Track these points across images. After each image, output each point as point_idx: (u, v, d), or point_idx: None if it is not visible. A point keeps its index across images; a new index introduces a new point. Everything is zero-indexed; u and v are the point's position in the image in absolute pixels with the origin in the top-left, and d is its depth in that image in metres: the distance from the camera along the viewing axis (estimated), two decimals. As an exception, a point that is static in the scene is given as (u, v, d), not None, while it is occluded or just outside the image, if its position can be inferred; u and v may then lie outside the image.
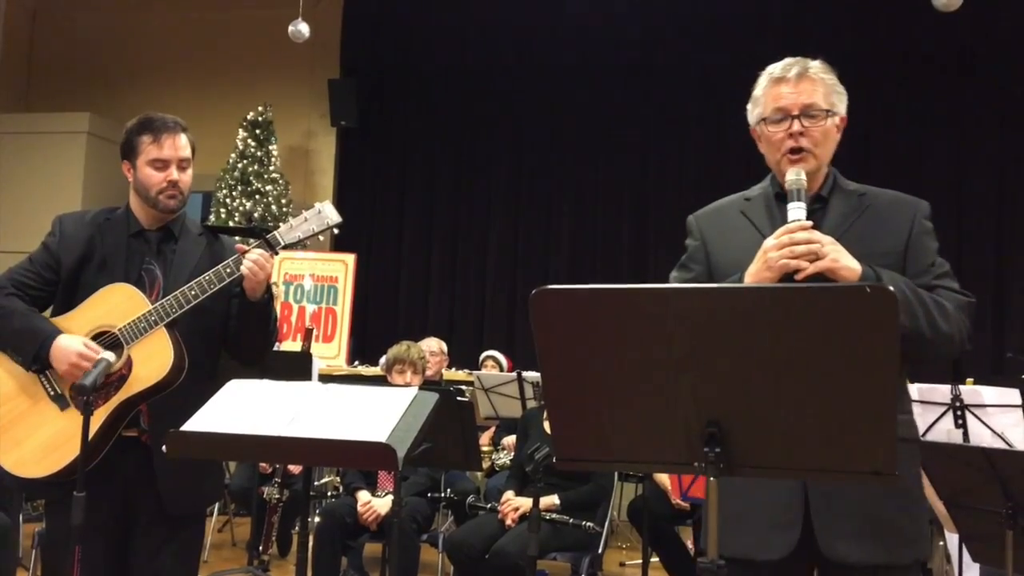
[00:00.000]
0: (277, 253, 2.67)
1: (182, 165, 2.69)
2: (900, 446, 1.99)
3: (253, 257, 2.58)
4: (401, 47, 9.74)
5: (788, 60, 2.17)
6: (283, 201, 9.05)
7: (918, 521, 2.07)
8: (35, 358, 2.56)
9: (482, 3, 9.43)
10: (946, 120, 8.55)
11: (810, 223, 1.98)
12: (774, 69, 2.17)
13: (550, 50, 9.31)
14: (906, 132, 8.64)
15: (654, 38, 9.01)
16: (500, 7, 9.35)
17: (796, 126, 2.10)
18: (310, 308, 8.74)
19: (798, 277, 1.93)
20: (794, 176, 2.04)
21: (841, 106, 2.17)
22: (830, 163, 2.20)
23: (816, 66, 2.16)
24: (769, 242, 1.98)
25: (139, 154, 2.67)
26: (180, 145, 2.68)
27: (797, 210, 2.00)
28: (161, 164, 2.66)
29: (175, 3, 10.34)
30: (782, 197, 2.12)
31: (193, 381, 2.55)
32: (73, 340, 2.54)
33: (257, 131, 9.10)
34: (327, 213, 2.68)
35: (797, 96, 2.11)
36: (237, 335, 2.73)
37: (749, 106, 2.22)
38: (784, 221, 2.02)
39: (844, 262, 1.94)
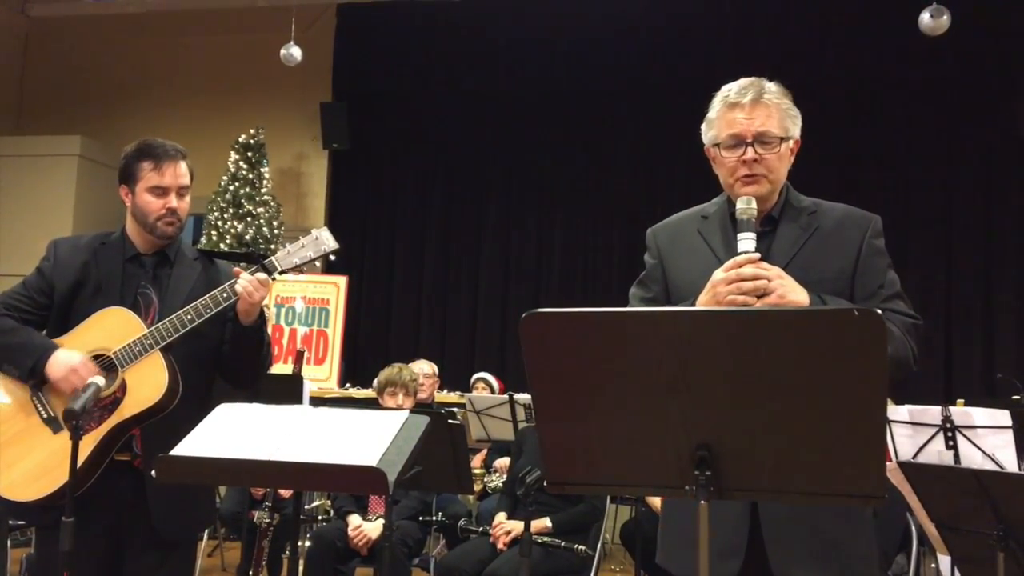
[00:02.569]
0: (275, 279, 2.67)
1: (181, 192, 2.69)
2: None
3: (249, 278, 2.58)
4: (393, 70, 9.78)
5: (743, 82, 2.16)
6: (275, 224, 9.04)
7: (869, 542, 2.09)
8: (32, 371, 2.55)
9: (474, 27, 9.48)
10: (934, 143, 8.61)
11: (758, 255, 1.97)
12: (729, 92, 2.16)
13: (541, 73, 9.35)
14: (894, 155, 8.69)
15: (646, 60, 9.06)
16: (491, 30, 9.41)
17: (750, 153, 2.09)
18: (301, 330, 8.73)
19: None
20: (744, 204, 2.03)
21: (795, 129, 2.16)
22: (786, 179, 2.20)
23: (771, 90, 2.14)
24: (718, 275, 1.98)
25: (138, 180, 2.67)
26: (180, 173, 2.68)
27: (746, 241, 2.00)
28: (161, 191, 2.66)
29: (167, 27, 10.37)
30: (735, 218, 2.10)
31: (186, 405, 2.54)
32: (73, 354, 2.55)
33: (249, 154, 9.10)
34: (324, 239, 2.68)
35: (751, 123, 2.09)
36: (231, 359, 2.73)
37: (703, 127, 2.21)
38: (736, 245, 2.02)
39: (791, 296, 1.94)
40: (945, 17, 7.17)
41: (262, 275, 2.60)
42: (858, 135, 8.62)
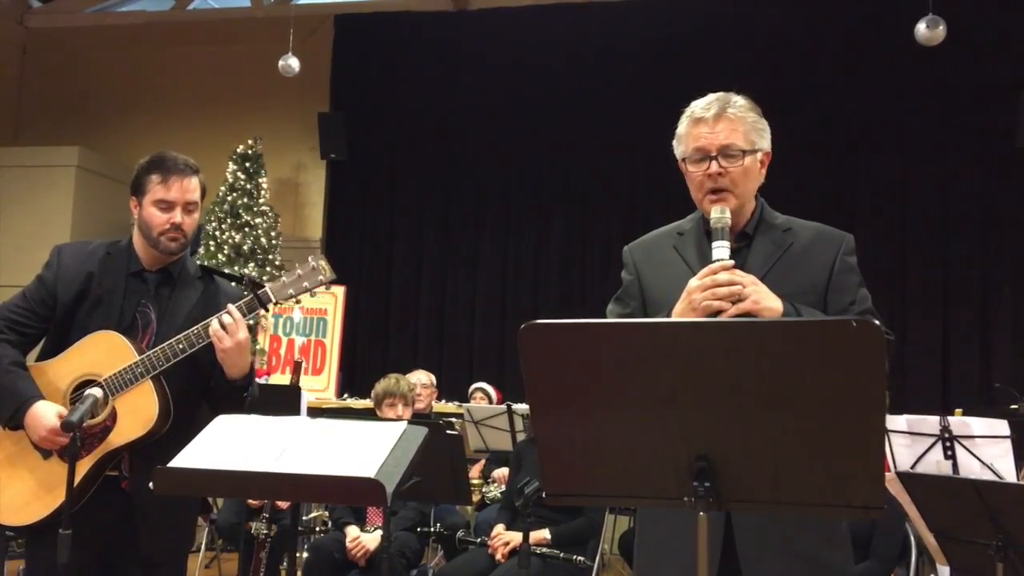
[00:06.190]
0: (268, 310, 2.64)
1: (188, 208, 2.64)
2: None
3: (226, 320, 2.52)
4: (390, 81, 9.80)
5: (709, 98, 2.17)
6: (272, 234, 9.05)
7: (846, 557, 2.10)
8: (11, 419, 2.53)
9: (470, 38, 9.52)
10: (931, 153, 8.63)
11: (732, 263, 1.99)
12: (695, 108, 2.18)
13: (539, 83, 9.38)
14: (891, 166, 8.70)
15: (643, 69, 9.08)
16: (488, 41, 9.44)
17: (714, 167, 2.11)
18: (299, 341, 8.71)
19: (721, 318, 1.93)
20: (718, 214, 2.05)
21: (763, 142, 2.16)
22: (757, 195, 2.21)
23: (737, 104, 2.15)
24: (693, 283, 1.99)
25: (146, 192, 2.63)
26: (188, 188, 2.63)
27: (720, 249, 2.02)
28: (166, 205, 2.61)
29: (165, 37, 10.40)
30: (710, 233, 2.11)
31: (175, 427, 2.52)
32: (49, 411, 2.49)
33: (247, 164, 9.11)
34: (320, 269, 2.62)
35: (715, 137, 2.11)
36: (214, 395, 2.68)
37: (674, 143, 2.23)
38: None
39: (765, 303, 1.95)
40: (941, 28, 7.20)
41: (227, 319, 2.53)
42: (855, 145, 8.64)
